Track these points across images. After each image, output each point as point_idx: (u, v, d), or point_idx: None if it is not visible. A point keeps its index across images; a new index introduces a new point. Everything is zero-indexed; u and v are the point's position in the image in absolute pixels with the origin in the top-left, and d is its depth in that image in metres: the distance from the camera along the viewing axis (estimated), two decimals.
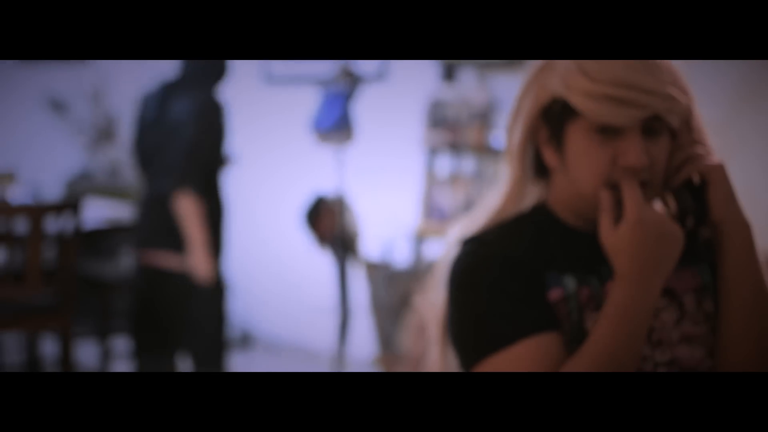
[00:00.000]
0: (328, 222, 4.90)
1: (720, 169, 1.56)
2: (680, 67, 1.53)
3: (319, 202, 5.03)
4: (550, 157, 1.57)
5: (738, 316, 1.54)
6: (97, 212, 4.95)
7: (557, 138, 1.54)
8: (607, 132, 1.49)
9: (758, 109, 3.89)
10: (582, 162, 1.52)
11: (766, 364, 1.53)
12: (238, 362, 6.07)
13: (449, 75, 5.06)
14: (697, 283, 1.59)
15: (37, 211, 4.24)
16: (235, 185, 6.40)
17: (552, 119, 1.54)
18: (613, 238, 1.49)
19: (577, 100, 1.48)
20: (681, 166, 1.56)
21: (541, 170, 1.61)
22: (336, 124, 4.78)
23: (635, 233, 1.47)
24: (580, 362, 1.46)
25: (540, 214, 1.62)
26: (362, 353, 5.11)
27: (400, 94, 5.24)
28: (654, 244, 1.47)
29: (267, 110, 6.13)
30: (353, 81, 4.89)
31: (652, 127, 1.50)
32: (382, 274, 4.21)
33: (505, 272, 1.54)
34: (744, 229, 1.55)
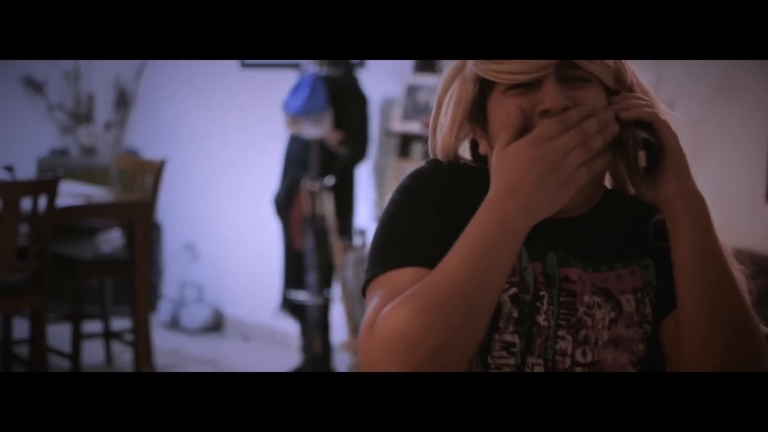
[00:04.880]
0: (303, 207, 4.91)
1: (675, 138, 1.41)
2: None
3: (293, 187, 5.03)
4: (483, 147, 1.51)
5: (703, 306, 1.39)
6: (72, 191, 4.93)
7: (483, 126, 1.48)
8: (523, 89, 1.41)
9: (733, 100, 3.92)
10: (502, 123, 1.41)
11: (735, 360, 1.40)
12: (209, 346, 6.08)
13: (426, 64, 5.07)
14: (636, 283, 1.49)
15: (12, 190, 4.23)
16: (210, 170, 6.40)
17: (476, 112, 1.49)
18: (501, 155, 1.37)
19: (485, 70, 1.43)
20: (632, 108, 1.42)
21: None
22: (309, 108, 4.77)
23: (522, 152, 1.35)
24: (425, 287, 1.34)
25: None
26: (333, 338, 5.13)
27: (376, 80, 5.24)
28: (532, 169, 1.33)
29: (241, 93, 6.13)
30: (328, 65, 4.89)
31: (572, 75, 1.41)
32: (352, 260, 4.23)
33: (446, 199, 1.46)
34: (699, 204, 1.41)
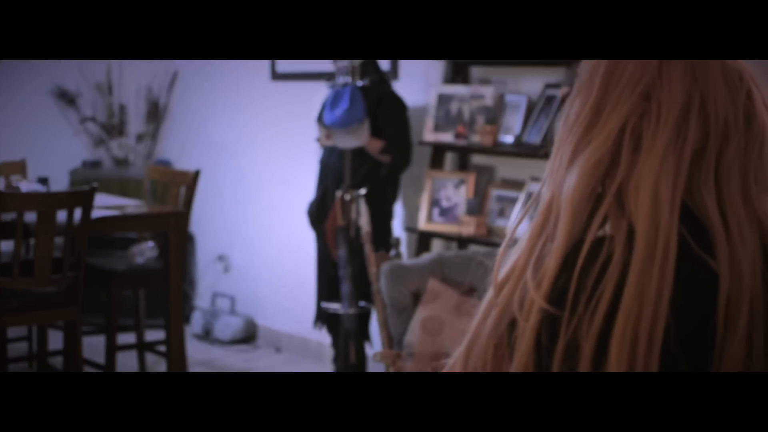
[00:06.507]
0: (336, 216, 4.90)
1: None
2: None
3: (326, 197, 5.03)
4: None
5: None
6: (106, 203, 4.95)
7: None
8: None
9: None
10: None
11: None
12: (242, 357, 6.08)
13: (457, 74, 5.06)
14: None
15: (48, 202, 4.24)
16: (242, 181, 6.41)
17: None
18: None
19: None
20: None
21: None
22: (349, 119, 4.77)
23: None
24: None
25: None
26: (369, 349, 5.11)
27: (407, 90, 5.24)
28: None
29: (273, 104, 6.14)
30: (362, 76, 4.89)
31: None
32: (387, 270, 4.20)
33: None
34: None
